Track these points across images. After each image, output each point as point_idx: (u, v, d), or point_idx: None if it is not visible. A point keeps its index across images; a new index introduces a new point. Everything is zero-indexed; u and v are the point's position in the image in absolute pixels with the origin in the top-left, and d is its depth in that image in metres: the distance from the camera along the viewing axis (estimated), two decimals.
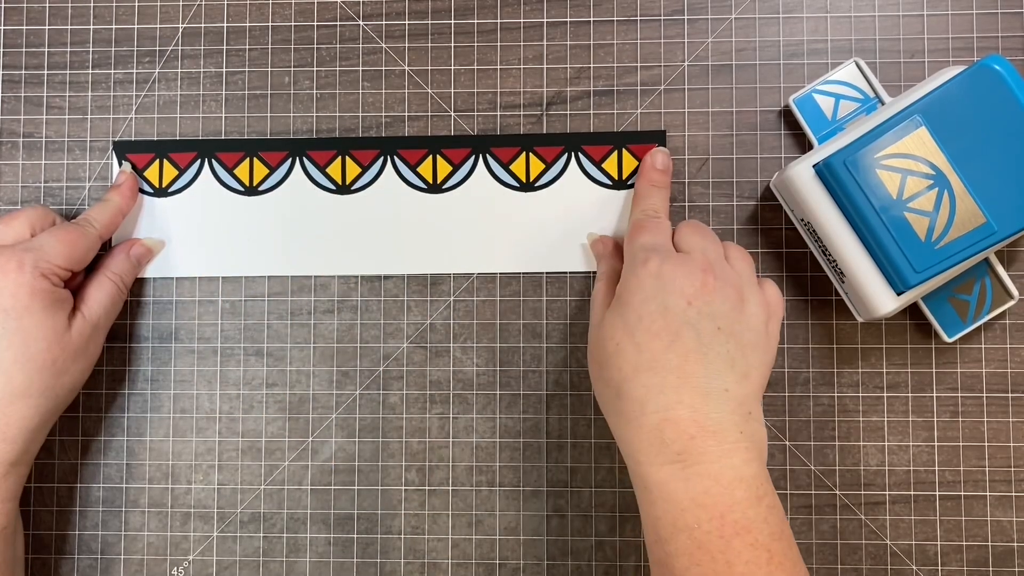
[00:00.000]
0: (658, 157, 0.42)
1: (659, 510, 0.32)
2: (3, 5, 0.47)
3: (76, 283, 0.42)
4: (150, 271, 0.45)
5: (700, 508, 0.31)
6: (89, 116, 0.46)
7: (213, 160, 0.46)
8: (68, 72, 0.46)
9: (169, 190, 0.46)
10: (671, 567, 0.32)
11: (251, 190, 0.45)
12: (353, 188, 0.45)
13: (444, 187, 0.45)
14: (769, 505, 0.32)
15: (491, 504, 0.44)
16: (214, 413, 0.45)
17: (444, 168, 0.45)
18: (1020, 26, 0.45)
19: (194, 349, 0.45)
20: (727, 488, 0.31)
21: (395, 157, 0.45)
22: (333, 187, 0.45)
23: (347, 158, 0.45)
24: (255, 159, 0.46)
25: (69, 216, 0.46)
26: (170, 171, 0.46)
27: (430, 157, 0.45)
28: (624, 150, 0.45)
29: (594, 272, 0.45)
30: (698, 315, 0.33)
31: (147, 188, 0.46)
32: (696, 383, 0.32)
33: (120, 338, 0.45)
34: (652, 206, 0.41)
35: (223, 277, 0.45)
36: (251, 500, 0.45)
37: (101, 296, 0.42)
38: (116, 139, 0.46)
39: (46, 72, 0.46)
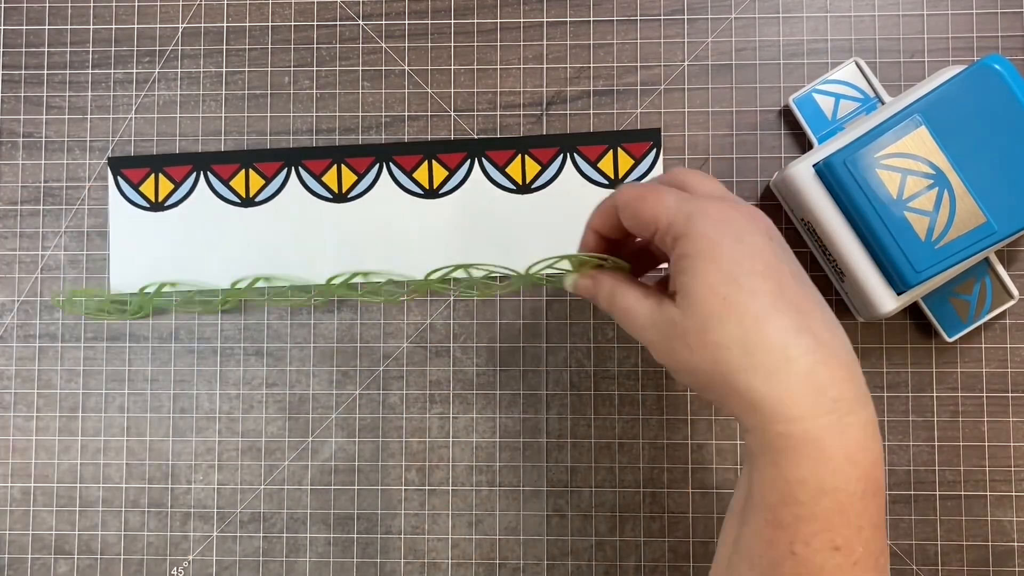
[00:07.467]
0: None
1: (805, 471, 0.28)
2: (3, 5, 0.47)
3: None
4: (150, 286, 0.45)
5: (852, 465, 0.28)
6: (89, 116, 0.46)
7: (208, 173, 0.46)
8: (68, 72, 0.46)
9: (165, 204, 0.46)
10: (793, 532, 0.28)
11: (248, 201, 0.45)
12: (350, 196, 0.45)
13: (440, 192, 0.45)
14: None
15: (491, 504, 0.44)
16: (214, 413, 0.45)
17: (440, 173, 0.45)
18: (1020, 26, 0.44)
19: (194, 349, 0.45)
20: (874, 440, 0.28)
21: (391, 164, 0.45)
22: (330, 196, 0.45)
23: (343, 166, 0.45)
24: (250, 170, 0.46)
25: (67, 216, 0.46)
26: (166, 185, 0.46)
27: (426, 163, 0.45)
28: (619, 149, 0.45)
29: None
30: (781, 249, 0.31)
31: (143, 203, 0.46)
32: (819, 317, 0.29)
33: (120, 338, 0.45)
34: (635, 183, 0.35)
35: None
36: (251, 500, 0.45)
37: None
38: (111, 155, 0.46)
39: (46, 72, 0.46)
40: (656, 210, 0.31)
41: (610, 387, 0.44)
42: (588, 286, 0.36)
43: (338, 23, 0.46)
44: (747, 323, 0.28)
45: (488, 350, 0.45)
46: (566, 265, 0.37)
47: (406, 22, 0.46)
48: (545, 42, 0.46)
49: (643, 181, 0.34)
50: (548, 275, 0.38)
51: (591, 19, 0.45)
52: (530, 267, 0.36)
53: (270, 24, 0.46)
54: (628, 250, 0.37)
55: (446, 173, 0.45)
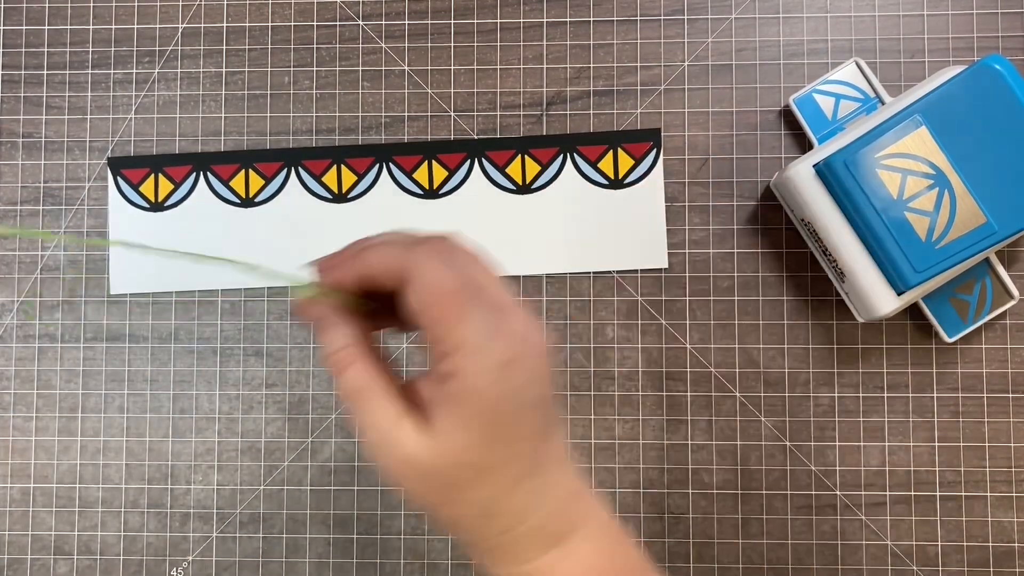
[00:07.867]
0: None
1: None
2: (3, 5, 0.47)
3: None
4: (149, 287, 0.45)
5: (595, 574, 0.28)
6: (89, 116, 0.46)
7: (208, 173, 0.46)
8: (68, 72, 0.46)
9: (165, 204, 0.46)
10: None
11: (248, 202, 0.45)
12: (349, 196, 0.45)
13: (440, 192, 0.45)
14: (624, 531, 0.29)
15: None
16: (213, 413, 0.45)
17: (440, 173, 0.45)
18: (1020, 26, 0.44)
19: (194, 349, 0.45)
20: (608, 537, 0.29)
21: (390, 164, 0.45)
22: (329, 196, 0.45)
23: (343, 167, 0.45)
24: (250, 170, 0.45)
25: (67, 216, 0.46)
26: (166, 185, 0.46)
27: (425, 163, 0.45)
28: (619, 149, 0.45)
29: (595, 272, 0.44)
30: (549, 378, 0.28)
31: (143, 203, 0.46)
32: (557, 462, 0.28)
33: (120, 338, 0.45)
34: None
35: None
36: (251, 500, 0.45)
37: None
38: (110, 156, 0.46)
39: (46, 72, 0.46)
40: (456, 330, 0.26)
41: (610, 387, 0.44)
42: (318, 321, 0.30)
43: (338, 23, 0.46)
44: (495, 493, 0.27)
45: None
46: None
47: (406, 22, 0.46)
48: (545, 42, 0.46)
49: (439, 248, 0.28)
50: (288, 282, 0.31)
51: (591, 19, 0.45)
52: (256, 266, 0.31)
53: (270, 24, 0.46)
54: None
55: (446, 173, 0.45)
